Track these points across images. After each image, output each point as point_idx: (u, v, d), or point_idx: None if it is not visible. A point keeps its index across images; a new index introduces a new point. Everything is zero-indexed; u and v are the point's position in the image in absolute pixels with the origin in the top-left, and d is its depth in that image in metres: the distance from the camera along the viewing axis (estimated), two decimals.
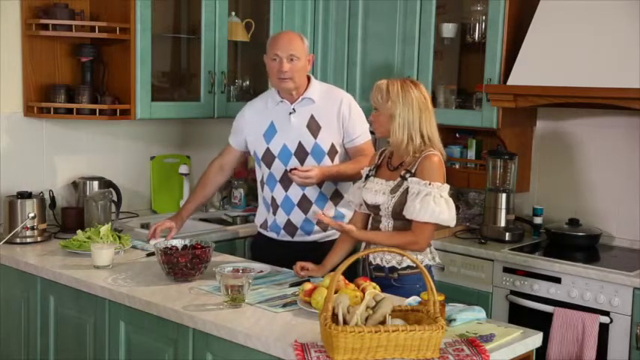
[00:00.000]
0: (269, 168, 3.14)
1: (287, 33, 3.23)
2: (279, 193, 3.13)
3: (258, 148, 3.16)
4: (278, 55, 3.03)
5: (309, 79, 3.16)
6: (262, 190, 3.23)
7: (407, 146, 2.62)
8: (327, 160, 3.09)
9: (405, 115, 2.60)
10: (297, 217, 3.12)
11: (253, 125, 3.19)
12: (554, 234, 3.61)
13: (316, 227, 3.13)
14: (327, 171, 3.03)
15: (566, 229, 3.60)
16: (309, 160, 3.08)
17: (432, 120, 2.66)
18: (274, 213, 3.17)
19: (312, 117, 3.10)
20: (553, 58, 3.45)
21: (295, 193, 3.11)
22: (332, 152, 3.11)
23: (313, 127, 3.09)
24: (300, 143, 3.08)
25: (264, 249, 3.24)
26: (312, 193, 3.11)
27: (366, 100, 3.44)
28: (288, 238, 3.16)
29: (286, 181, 3.09)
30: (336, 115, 3.11)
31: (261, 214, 3.26)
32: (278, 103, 3.15)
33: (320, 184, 3.09)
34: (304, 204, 3.11)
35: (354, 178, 3.10)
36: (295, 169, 2.96)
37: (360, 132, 3.14)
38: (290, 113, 3.11)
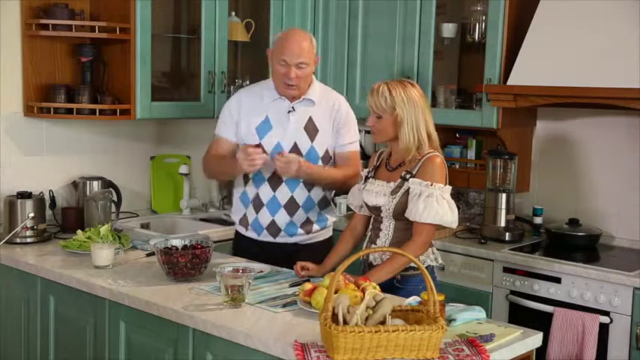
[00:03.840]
0: None
1: (297, 36, 2.96)
2: (265, 191, 3.02)
3: (249, 142, 2.99)
4: (286, 61, 2.89)
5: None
6: (245, 184, 3.08)
7: (417, 149, 2.61)
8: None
9: (413, 119, 2.60)
10: (282, 218, 3.03)
11: (248, 114, 3.04)
12: (554, 234, 3.61)
13: (300, 230, 3.05)
14: (310, 166, 2.92)
15: (566, 229, 3.60)
16: None
17: (431, 119, 2.67)
18: (257, 211, 3.05)
19: (310, 119, 3.02)
20: (553, 58, 3.45)
21: (283, 194, 3.01)
22: (325, 158, 3.03)
23: (310, 129, 3.01)
24: (295, 144, 2.99)
25: (245, 251, 3.10)
26: (300, 196, 3.02)
27: (366, 101, 3.44)
28: (270, 239, 3.06)
29: (275, 180, 3.00)
30: (332, 118, 3.03)
31: (239, 210, 3.13)
32: (275, 99, 3.04)
33: (309, 189, 3.03)
34: (291, 206, 3.02)
35: (335, 184, 3.05)
36: (282, 153, 2.87)
37: (352, 139, 3.08)
38: (289, 112, 3.01)
